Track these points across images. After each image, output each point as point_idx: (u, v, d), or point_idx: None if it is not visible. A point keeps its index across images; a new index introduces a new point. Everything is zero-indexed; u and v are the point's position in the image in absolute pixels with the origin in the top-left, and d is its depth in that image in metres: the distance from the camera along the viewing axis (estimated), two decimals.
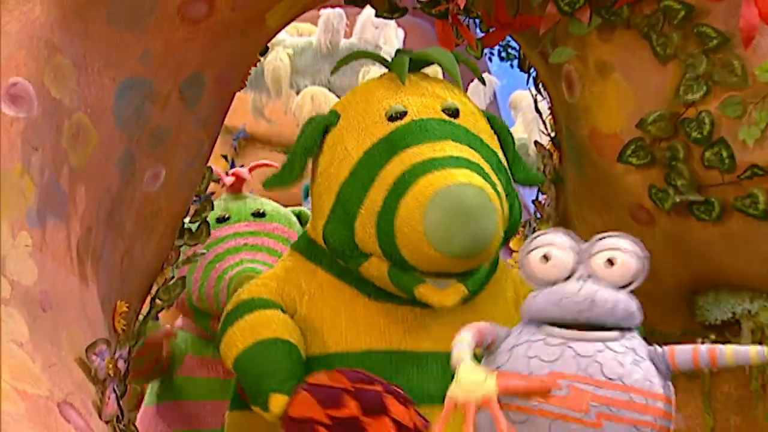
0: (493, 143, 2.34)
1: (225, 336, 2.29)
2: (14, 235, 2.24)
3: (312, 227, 2.43)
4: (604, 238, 1.91)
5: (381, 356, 2.25)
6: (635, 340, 1.86)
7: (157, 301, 2.90)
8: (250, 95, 5.99)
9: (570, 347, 1.77)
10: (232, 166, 4.54)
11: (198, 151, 2.82)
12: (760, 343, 2.40)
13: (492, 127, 2.40)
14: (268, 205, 3.24)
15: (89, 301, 2.49)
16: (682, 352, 1.83)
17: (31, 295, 2.25)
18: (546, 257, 1.88)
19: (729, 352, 1.80)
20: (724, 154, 2.45)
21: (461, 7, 2.59)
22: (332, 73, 3.01)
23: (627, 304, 1.84)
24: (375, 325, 2.25)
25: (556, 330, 1.82)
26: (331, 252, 2.32)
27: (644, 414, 1.75)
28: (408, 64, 2.39)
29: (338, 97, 4.49)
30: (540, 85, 3.16)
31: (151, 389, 3.38)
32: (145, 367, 3.09)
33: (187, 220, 2.92)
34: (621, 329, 1.84)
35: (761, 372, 2.54)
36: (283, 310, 2.33)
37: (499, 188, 2.20)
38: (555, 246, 1.90)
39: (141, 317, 2.84)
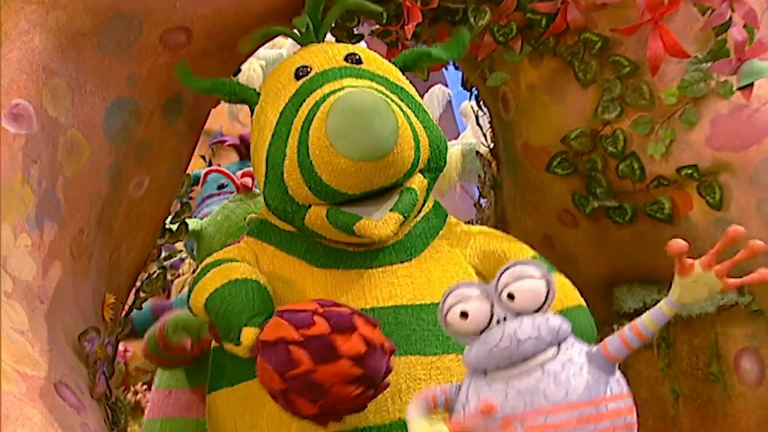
0: (404, 83, 2.30)
1: (195, 287, 2.21)
2: (16, 237, 2.35)
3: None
4: (502, 273, 1.83)
5: None
6: (572, 350, 1.79)
7: (141, 293, 3.02)
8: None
9: (511, 386, 1.73)
10: (209, 165, 4.40)
11: (178, 161, 2.93)
12: (667, 328, 2.57)
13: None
14: None
15: (81, 293, 2.59)
16: (612, 342, 1.79)
17: (31, 289, 2.36)
18: (464, 314, 1.80)
19: (648, 320, 1.77)
20: (635, 166, 2.59)
21: (409, 36, 2.67)
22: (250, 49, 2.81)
23: (548, 325, 1.77)
24: (323, 291, 2.18)
25: (498, 373, 1.76)
26: (276, 216, 2.27)
27: (600, 422, 1.70)
28: (311, 25, 2.40)
29: None
30: (481, 102, 3.27)
31: (180, 373, 3.28)
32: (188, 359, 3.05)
33: (168, 221, 3.04)
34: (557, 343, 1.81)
35: (666, 354, 2.67)
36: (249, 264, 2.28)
37: (410, 114, 2.14)
38: (469, 300, 1.81)
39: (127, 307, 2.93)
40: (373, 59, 2.30)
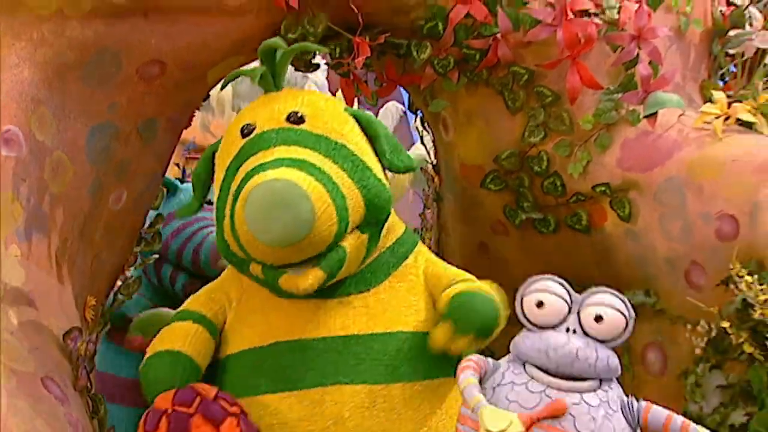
0: (347, 138, 2.21)
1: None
2: (6, 248, 2.42)
3: None
4: (597, 293, 1.80)
5: (286, 345, 2.18)
6: (611, 392, 1.75)
7: (119, 295, 3.03)
8: (198, 114, 6.02)
9: (548, 396, 1.68)
10: (184, 172, 4.40)
11: (153, 177, 2.99)
12: None
13: (359, 123, 2.29)
14: None
15: (65, 297, 2.65)
16: (657, 414, 1.73)
17: (20, 294, 2.42)
18: (541, 303, 1.77)
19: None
20: (557, 183, 2.70)
21: (359, 68, 2.75)
22: (221, 88, 2.94)
23: (608, 361, 1.73)
24: (284, 319, 2.18)
25: (539, 374, 1.72)
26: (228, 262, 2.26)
27: None
28: (267, 76, 2.35)
29: None
30: (425, 123, 3.36)
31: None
32: None
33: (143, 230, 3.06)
34: (600, 379, 1.75)
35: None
36: (201, 319, 2.30)
37: (338, 177, 2.08)
38: (549, 293, 1.79)
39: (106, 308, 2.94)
40: (322, 114, 2.23)
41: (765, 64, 2.82)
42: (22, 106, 2.50)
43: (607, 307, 1.74)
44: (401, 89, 3.31)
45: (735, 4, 2.90)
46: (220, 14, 2.69)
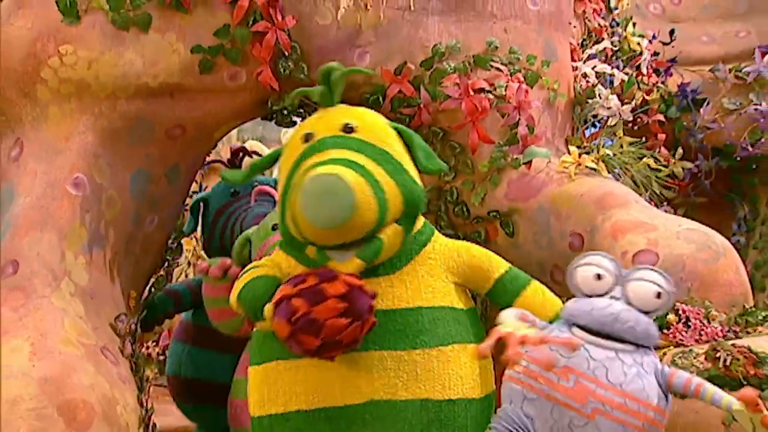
0: (389, 145, 2.16)
1: (233, 293, 2.14)
2: (75, 258, 2.80)
3: None
4: (640, 269, 1.73)
5: None
6: (647, 358, 1.65)
7: (153, 289, 3.37)
8: None
9: (586, 349, 1.60)
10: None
11: (176, 205, 3.30)
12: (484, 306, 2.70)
13: (399, 135, 2.24)
14: None
15: (115, 291, 2.96)
16: (679, 378, 1.65)
17: (85, 290, 2.78)
18: (598, 276, 1.69)
19: (709, 393, 1.61)
20: (464, 209, 2.94)
21: None
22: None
23: (647, 326, 1.65)
24: None
25: (581, 333, 1.65)
26: (288, 245, 2.18)
27: (634, 417, 1.58)
28: (326, 93, 2.27)
29: (267, 147, 4.58)
30: None
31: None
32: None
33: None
34: (638, 345, 1.65)
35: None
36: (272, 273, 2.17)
37: (380, 176, 2.02)
38: (603, 268, 1.71)
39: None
40: (370, 125, 2.18)
41: (609, 126, 3.18)
42: (86, 160, 2.87)
43: (653, 284, 1.68)
44: None
45: (589, 82, 3.25)
46: (224, 92, 3.03)
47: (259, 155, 3.70)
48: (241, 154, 3.67)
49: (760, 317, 2.64)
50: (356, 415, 2.00)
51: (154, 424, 2.86)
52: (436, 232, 2.26)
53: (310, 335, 1.81)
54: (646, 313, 1.66)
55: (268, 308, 1.90)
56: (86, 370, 2.50)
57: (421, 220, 2.23)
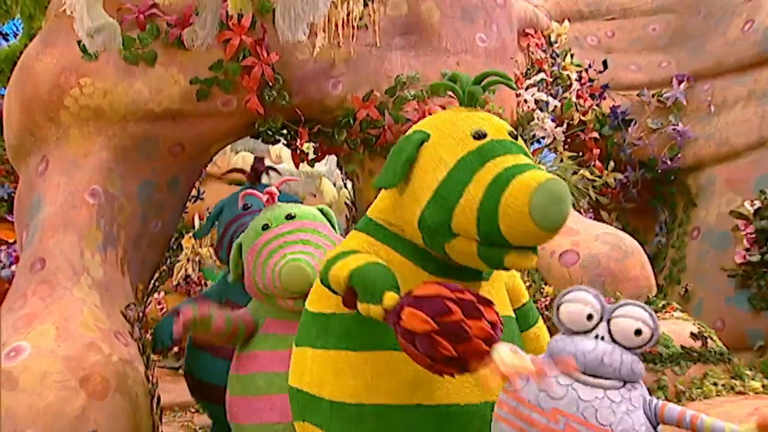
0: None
1: (332, 269, 1.85)
2: (92, 256, 2.98)
3: (388, 214, 1.95)
4: (626, 305, 1.58)
5: None
6: (635, 392, 1.53)
7: (156, 283, 3.56)
8: None
9: (574, 389, 1.49)
10: (199, 191, 4.20)
11: (177, 211, 3.48)
12: None
13: None
14: (296, 208, 2.76)
15: (125, 284, 3.14)
16: (671, 410, 1.52)
17: (100, 283, 2.97)
18: (590, 316, 1.56)
19: (707, 423, 1.49)
20: None
21: (302, 146, 3.26)
22: None
23: (632, 366, 1.51)
24: None
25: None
26: (423, 231, 1.84)
27: None
28: (472, 93, 1.99)
29: (259, 158, 4.23)
30: (346, 175, 3.83)
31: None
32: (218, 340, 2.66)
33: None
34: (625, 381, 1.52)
35: None
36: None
37: None
38: (591, 306, 1.57)
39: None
40: (518, 137, 1.97)
41: (548, 144, 3.45)
42: (101, 174, 3.08)
43: (636, 319, 1.54)
44: None
45: (530, 107, 3.54)
46: (218, 116, 3.24)
47: (275, 170, 3.78)
48: (259, 170, 3.64)
49: (659, 305, 3.03)
50: (476, 414, 1.86)
51: (159, 396, 3.03)
52: None
53: (451, 342, 1.63)
54: (629, 349, 1.53)
55: (392, 299, 1.69)
56: (102, 350, 2.70)
57: None
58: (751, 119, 4.29)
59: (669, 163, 4.60)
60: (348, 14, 3.23)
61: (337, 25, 3.20)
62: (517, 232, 1.73)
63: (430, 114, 2.98)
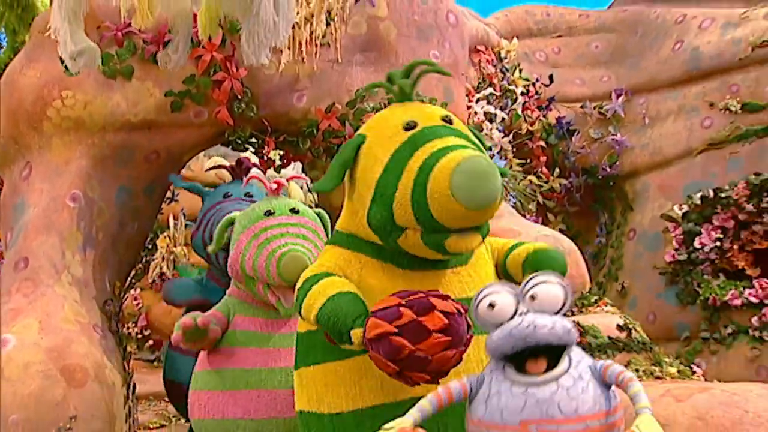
0: (474, 137, 1.92)
1: (303, 302, 1.81)
2: (73, 256, 3.07)
3: (349, 223, 1.93)
4: (532, 278, 1.56)
5: None
6: (580, 365, 1.49)
7: (133, 280, 3.64)
8: None
9: (531, 394, 1.45)
10: (173, 194, 4.20)
11: (152, 214, 3.59)
12: None
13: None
14: (300, 205, 2.70)
15: (104, 282, 3.23)
16: (611, 371, 1.48)
17: (80, 281, 3.06)
18: (492, 305, 1.53)
19: (633, 389, 1.45)
20: None
21: (268, 154, 3.38)
22: None
23: (563, 323, 1.47)
24: (409, 285, 1.82)
25: (516, 376, 1.48)
26: (374, 231, 1.82)
27: None
28: (406, 87, 1.97)
29: (228, 161, 4.46)
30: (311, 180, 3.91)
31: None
32: (209, 344, 2.55)
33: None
34: (564, 350, 1.49)
35: None
36: (338, 275, 1.88)
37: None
38: (497, 294, 1.54)
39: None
40: (458, 121, 1.93)
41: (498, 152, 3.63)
42: (81, 179, 3.17)
43: (544, 284, 1.53)
44: None
45: (479, 118, 3.73)
46: (190, 126, 3.36)
47: (257, 166, 3.73)
48: (242, 165, 3.64)
49: (592, 300, 3.26)
50: None
51: (135, 385, 3.14)
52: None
53: (418, 371, 1.62)
54: (555, 313, 1.51)
55: (357, 336, 1.67)
56: (82, 342, 2.79)
57: None
58: (680, 131, 4.54)
59: (608, 170, 4.82)
60: (311, 33, 3.35)
61: (301, 44, 3.32)
62: (447, 215, 1.69)
63: None
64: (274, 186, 2.72)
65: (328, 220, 2.74)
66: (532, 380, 1.46)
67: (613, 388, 1.49)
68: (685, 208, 4.29)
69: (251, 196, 3.35)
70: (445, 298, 1.63)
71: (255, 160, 3.67)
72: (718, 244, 4.14)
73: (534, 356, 1.48)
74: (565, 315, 1.50)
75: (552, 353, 1.48)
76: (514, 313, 1.50)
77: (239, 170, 3.57)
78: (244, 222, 2.61)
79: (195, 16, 2.55)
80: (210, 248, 2.77)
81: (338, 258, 1.90)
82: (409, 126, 1.84)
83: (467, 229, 1.73)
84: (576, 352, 1.50)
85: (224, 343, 2.58)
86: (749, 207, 4.13)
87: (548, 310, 1.50)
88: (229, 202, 3.33)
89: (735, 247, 4.11)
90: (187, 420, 2.99)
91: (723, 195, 4.21)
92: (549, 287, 1.52)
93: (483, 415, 1.49)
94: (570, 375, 1.46)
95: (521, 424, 1.43)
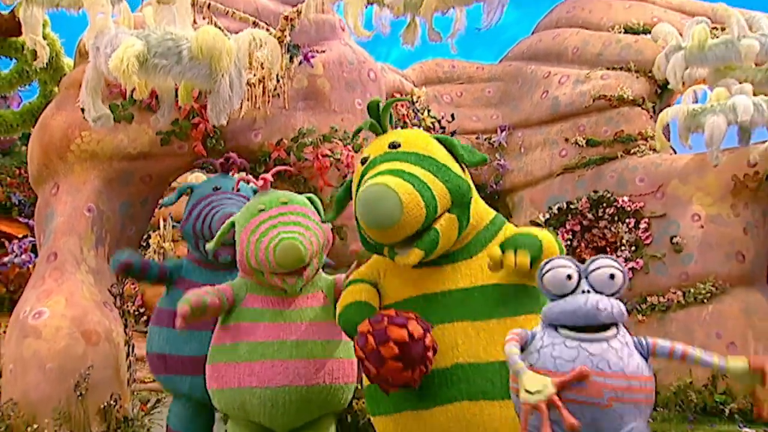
0: (431, 152, 1.95)
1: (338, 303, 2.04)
2: (89, 252, 3.55)
3: None
4: (596, 259, 1.54)
5: (416, 299, 2.01)
6: (627, 337, 1.50)
7: None
8: None
9: (584, 348, 1.44)
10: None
11: (146, 219, 4.06)
12: None
13: (442, 144, 2.04)
14: (289, 195, 2.69)
15: (110, 271, 3.52)
16: (662, 346, 1.49)
17: (94, 269, 3.54)
18: (569, 276, 1.50)
19: (698, 355, 1.46)
20: None
21: (234, 173, 3.79)
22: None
23: (620, 307, 1.48)
24: (413, 281, 1.95)
25: (571, 333, 1.47)
26: (369, 250, 2.03)
27: (639, 393, 1.46)
28: (374, 124, 2.08)
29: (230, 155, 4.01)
30: None
31: (221, 317, 2.64)
32: (214, 314, 2.53)
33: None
34: (615, 326, 1.49)
35: None
36: (368, 282, 2.05)
37: (424, 177, 1.85)
38: (567, 268, 1.52)
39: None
40: (411, 142, 1.97)
41: None
42: (95, 196, 3.68)
43: (609, 267, 1.51)
44: None
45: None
46: (175, 156, 3.85)
47: (244, 162, 3.80)
48: (230, 160, 3.66)
49: None
50: (443, 377, 1.86)
51: (134, 346, 3.64)
52: (508, 223, 2.14)
53: (373, 365, 1.74)
54: (610, 295, 1.50)
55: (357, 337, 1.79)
56: (96, 314, 3.34)
57: (492, 214, 2.13)
58: (545, 158, 5.16)
59: (495, 186, 5.36)
60: (264, 88, 3.89)
61: (257, 96, 3.86)
62: (371, 235, 1.84)
63: (322, 155, 3.86)
64: (261, 183, 2.77)
65: (319, 203, 2.80)
66: (587, 336, 1.47)
67: (650, 363, 1.52)
68: (547, 216, 4.88)
69: (239, 191, 3.35)
70: (405, 324, 1.73)
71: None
72: (569, 242, 4.75)
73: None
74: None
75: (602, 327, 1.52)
76: (575, 288, 1.50)
77: (227, 165, 3.62)
78: (242, 222, 2.64)
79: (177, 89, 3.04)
80: (209, 246, 2.77)
81: (374, 262, 2.13)
82: (363, 160, 2.01)
83: (400, 243, 1.85)
84: (623, 329, 1.54)
85: (238, 318, 2.56)
86: (590, 216, 4.74)
87: (605, 291, 1.50)
88: (219, 195, 3.29)
89: (582, 245, 4.73)
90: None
91: (572, 207, 4.81)
92: (610, 271, 1.51)
93: (536, 362, 1.49)
94: (618, 340, 1.48)
95: (577, 370, 1.41)
